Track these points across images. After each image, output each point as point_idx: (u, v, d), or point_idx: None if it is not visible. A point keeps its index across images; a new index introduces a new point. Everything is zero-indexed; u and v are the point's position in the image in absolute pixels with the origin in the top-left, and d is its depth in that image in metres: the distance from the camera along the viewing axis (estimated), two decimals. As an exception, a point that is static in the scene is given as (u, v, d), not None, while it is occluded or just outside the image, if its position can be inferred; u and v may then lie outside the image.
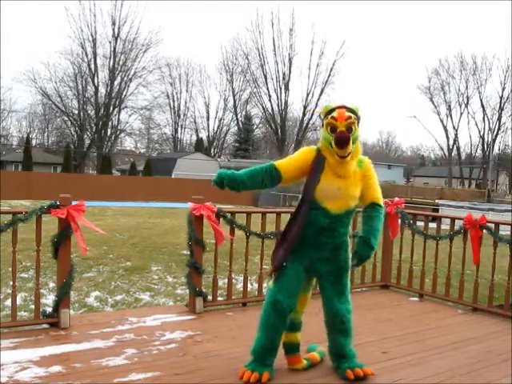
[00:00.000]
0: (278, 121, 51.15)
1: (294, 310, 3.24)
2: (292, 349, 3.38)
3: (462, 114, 55.84)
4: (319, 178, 3.07)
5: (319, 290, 3.35)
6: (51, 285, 6.74)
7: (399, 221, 5.77)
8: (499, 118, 54.95)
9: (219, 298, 5.06)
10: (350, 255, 3.26)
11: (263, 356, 3.20)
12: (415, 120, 64.55)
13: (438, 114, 56.12)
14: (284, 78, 50.55)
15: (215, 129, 59.13)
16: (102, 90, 48.15)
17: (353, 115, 3.02)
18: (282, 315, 3.15)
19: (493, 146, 54.54)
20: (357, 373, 3.18)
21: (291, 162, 3.17)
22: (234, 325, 4.40)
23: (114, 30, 47.34)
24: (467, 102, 55.27)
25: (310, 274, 3.30)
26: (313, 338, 3.71)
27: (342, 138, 2.96)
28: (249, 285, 5.32)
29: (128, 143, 62.87)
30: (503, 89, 53.90)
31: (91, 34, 46.59)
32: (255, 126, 55.70)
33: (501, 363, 3.66)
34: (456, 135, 56.66)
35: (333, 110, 3.04)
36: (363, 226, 3.23)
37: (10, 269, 4.22)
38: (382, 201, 3.29)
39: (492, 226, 4.97)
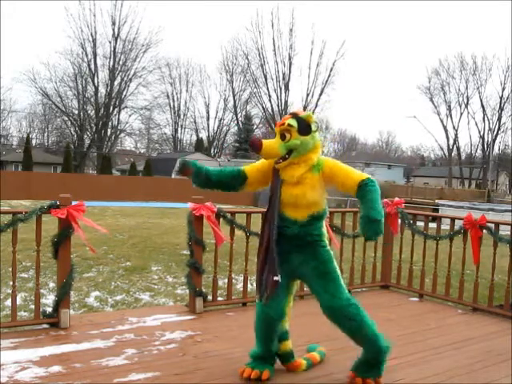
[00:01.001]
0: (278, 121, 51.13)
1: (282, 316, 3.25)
2: (287, 358, 3.37)
3: (461, 114, 55.88)
4: (280, 186, 3.10)
5: (313, 293, 3.25)
6: (51, 285, 6.74)
7: (399, 221, 5.77)
8: (499, 118, 54.96)
9: (219, 298, 5.06)
10: (329, 246, 3.21)
11: (262, 359, 3.24)
12: (415, 120, 64.50)
13: (438, 114, 56.15)
14: (284, 78, 50.54)
15: (215, 129, 59.19)
16: (102, 90, 48.18)
17: (292, 123, 3.01)
18: (273, 326, 3.18)
19: (493, 146, 54.54)
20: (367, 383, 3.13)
21: (256, 164, 3.31)
22: (234, 325, 4.40)
23: (113, 30, 47.34)
24: (467, 102, 55.30)
25: (293, 279, 3.27)
26: (313, 338, 3.71)
27: (250, 141, 3.08)
28: (249, 285, 5.31)
29: (128, 143, 62.92)
30: (503, 89, 53.92)
31: (91, 34, 46.60)
32: (255, 126, 55.69)
33: (501, 363, 3.66)
34: (456, 135, 56.69)
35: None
36: (361, 206, 3.07)
37: (10, 269, 4.22)
38: (360, 175, 3.05)
39: (492, 226, 4.97)
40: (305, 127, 3.05)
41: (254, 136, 3.08)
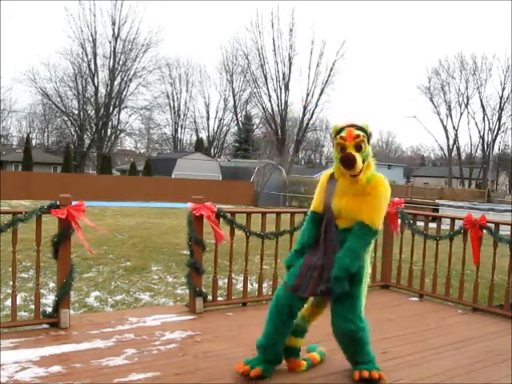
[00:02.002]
0: (278, 121, 51.13)
1: (299, 314, 3.27)
2: (292, 353, 3.36)
3: (461, 114, 55.90)
4: (331, 198, 3.15)
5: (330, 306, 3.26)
6: (51, 285, 6.73)
7: (399, 221, 5.77)
8: (499, 118, 54.99)
9: (219, 298, 5.06)
10: (368, 270, 3.22)
11: (263, 352, 3.24)
12: (415, 120, 64.49)
13: (438, 114, 56.17)
14: (284, 78, 50.53)
15: (215, 129, 59.14)
16: (102, 90, 48.15)
17: (361, 133, 3.04)
18: (285, 321, 3.18)
19: (493, 146, 54.56)
20: (363, 374, 3.16)
21: (316, 197, 3.33)
22: (234, 325, 4.40)
23: (113, 29, 47.30)
24: (467, 102, 55.32)
25: None
26: (313, 338, 3.71)
27: (347, 159, 3.00)
28: (249, 285, 5.32)
29: (128, 143, 62.87)
30: (503, 89, 53.95)
31: (91, 34, 46.57)
32: (255, 126, 55.69)
33: (501, 363, 3.66)
34: (456, 135, 56.71)
35: (342, 129, 3.08)
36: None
37: (10, 269, 4.22)
38: (377, 222, 3.09)
39: (492, 226, 4.97)
40: (368, 137, 3.11)
41: (348, 153, 3.00)
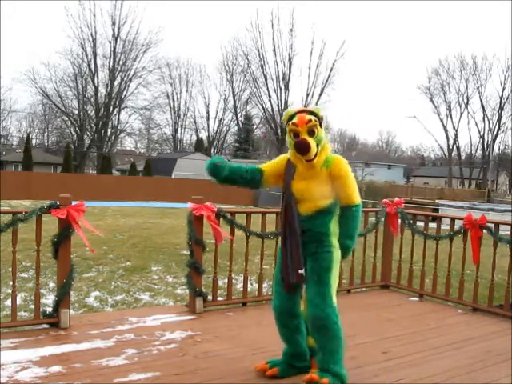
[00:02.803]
0: (278, 121, 51.14)
1: (295, 314, 3.24)
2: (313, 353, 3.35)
3: (461, 114, 55.87)
4: (291, 182, 3.14)
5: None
6: (51, 285, 6.73)
7: (399, 221, 5.77)
8: (499, 118, 54.95)
9: (219, 298, 5.06)
10: (337, 256, 3.12)
11: (286, 356, 3.30)
12: (415, 120, 64.47)
13: (438, 114, 56.14)
14: (284, 78, 50.49)
15: (215, 129, 59.16)
16: (102, 90, 48.16)
17: (313, 117, 3.04)
18: (288, 324, 3.21)
19: (493, 146, 54.53)
20: (311, 378, 3.02)
21: (270, 164, 3.35)
22: (233, 325, 4.40)
23: (113, 30, 47.31)
24: (467, 102, 55.29)
25: None
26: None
27: (300, 144, 3.01)
28: (249, 285, 5.32)
29: (128, 143, 62.88)
30: (503, 89, 53.91)
31: (91, 34, 46.59)
32: (255, 126, 55.69)
33: (501, 363, 3.66)
34: (456, 135, 56.69)
35: (294, 115, 3.10)
36: (341, 227, 3.15)
37: (10, 269, 4.22)
38: (356, 198, 3.13)
39: (492, 226, 4.97)
40: (320, 121, 3.10)
41: (302, 138, 3.01)
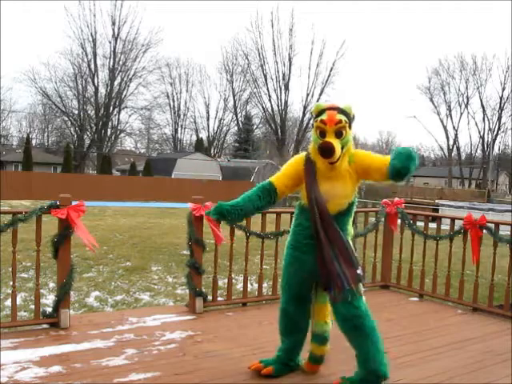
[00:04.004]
0: (278, 121, 51.15)
1: (314, 321, 3.27)
2: (317, 360, 3.35)
3: (461, 114, 55.90)
4: (315, 182, 2.98)
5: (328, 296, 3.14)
6: (51, 285, 6.73)
7: (399, 221, 5.77)
8: (499, 118, 55.00)
9: (219, 298, 5.05)
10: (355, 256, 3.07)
11: (280, 354, 3.29)
12: (415, 120, 64.51)
13: (438, 114, 56.17)
14: (284, 78, 50.52)
15: (215, 129, 59.17)
16: (102, 90, 48.17)
17: (344, 118, 2.88)
18: (294, 323, 3.21)
19: (493, 146, 54.60)
20: None
21: (283, 171, 3.14)
22: (233, 325, 4.39)
23: (113, 30, 47.34)
24: (467, 102, 55.32)
25: (315, 280, 3.16)
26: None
27: (324, 148, 2.83)
28: (249, 285, 5.32)
29: (128, 143, 62.89)
30: (503, 89, 53.94)
31: (91, 34, 46.60)
32: (255, 126, 55.67)
33: (501, 363, 3.66)
34: (456, 135, 56.70)
35: (324, 110, 2.91)
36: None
37: (10, 269, 4.21)
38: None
39: (492, 226, 4.97)
40: (351, 121, 2.95)
41: (327, 142, 2.81)
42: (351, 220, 3.10)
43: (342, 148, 2.90)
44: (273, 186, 3.10)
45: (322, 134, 2.89)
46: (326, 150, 2.83)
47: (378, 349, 3.01)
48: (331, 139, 2.85)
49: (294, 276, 3.15)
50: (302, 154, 3.13)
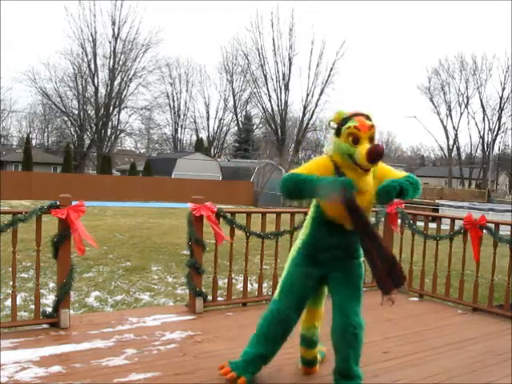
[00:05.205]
0: (278, 121, 51.14)
1: (303, 326, 3.28)
2: (310, 363, 3.37)
3: (462, 114, 55.87)
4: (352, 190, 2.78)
5: (330, 295, 3.15)
6: (51, 285, 6.73)
7: (399, 221, 5.77)
8: (499, 118, 54.99)
9: (219, 298, 5.06)
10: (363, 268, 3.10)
11: (250, 362, 3.14)
12: (415, 120, 64.49)
13: (438, 114, 56.14)
14: (284, 78, 50.50)
15: (215, 129, 59.15)
16: (102, 90, 48.14)
17: (373, 123, 2.84)
18: (287, 330, 3.11)
19: (493, 146, 54.60)
20: None
21: (311, 169, 2.92)
22: (233, 325, 4.40)
23: (113, 30, 47.28)
24: (467, 102, 55.31)
25: (322, 284, 3.16)
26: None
27: (379, 151, 2.72)
28: (249, 285, 5.32)
29: (128, 143, 62.84)
30: (503, 89, 53.92)
31: (91, 34, 46.56)
32: (255, 126, 55.68)
33: (501, 363, 3.66)
34: (456, 135, 56.69)
35: (349, 118, 2.82)
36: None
37: (10, 269, 4.21)
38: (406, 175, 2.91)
39: (492, 226, 4.97)
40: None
41: (378, 145, 2.72)
42: None
43: None
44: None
45: (356, 140, 2.77)
46: (381, 154, 2.72)
47: (358, 358, 3.05)
48: (366, 145, 2.75)
49: (301, 277, 3.08)
50: (327, 159, 2.95)
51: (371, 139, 2.80)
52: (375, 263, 2.82)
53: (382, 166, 2.99)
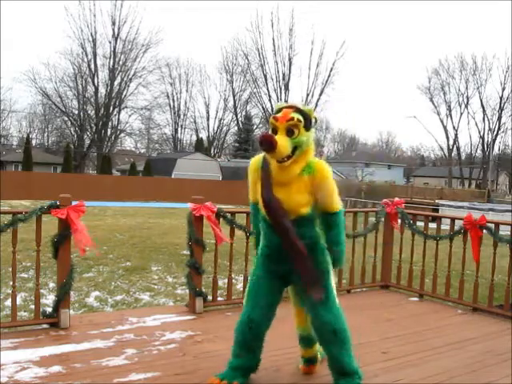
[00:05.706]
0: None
1: (299, 326, 3.27)
2: (309, 361, 3.36)
3: (462, 114, 55.91)
4: (270, 182, 2.85)
5: (301, 301, 3.13)
6: (51, 285, 6.74)
7: (399, 221, 5.77)
8: (499, 118, 55.02)
9: (219, 298, 5.06)
10: (328, 258, 3.01)
11: (242, 370, 3.10)
12: (415, 120, 64.50)
13: (438, 114, 56.17)
14: (284, 78, 50.55)
15: (215, 129, 59.19)
16: (102, 90, 48.20)
17: (297, 116, 2.77)
18: (260, 335, 3.06)
19: (493, 146, 54.62)
20: None
21: (250, 183, 3.05)
22: (233, 325, 4.36)
23: (113, 30, 47.36)
24: (467, 102, 55.34)
25: (284, 284, 3.12)
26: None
27: (262, 139, 2.71)
28: (249, 285, 5.31)
29: (128, 143, 62.87)
30: (503, 89, 53.95)
31: (91, 34, 46.63)
32: (255, 126, 55.68)
33: (501, 363, 3.66)
34: (456, 135, 56.73)
35: (279, 109, 2.84)
36: (326, 234, 2.99)
37: (10, 269, 4.21)
38: (338, 205, 2.95)
39: (492, 226, 4.97)
40: (308, 123, 2.84)
41: (266, 132, 2.72)
42: (318, 222, 2.99)
43: (295, 149, 2.79)
44: (255, 205, 3.05)
45: (274, 131, 2.81)
46: (264, 142, 2.70)
47: (349, 352, 3.02)
48: (282, 136, 2.75)
49: (263, 279, 3.04)
50: (260, 156, 3.00)
51: (289, 131, 2.77)
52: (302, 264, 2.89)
53: (321, 174, 2.86)
